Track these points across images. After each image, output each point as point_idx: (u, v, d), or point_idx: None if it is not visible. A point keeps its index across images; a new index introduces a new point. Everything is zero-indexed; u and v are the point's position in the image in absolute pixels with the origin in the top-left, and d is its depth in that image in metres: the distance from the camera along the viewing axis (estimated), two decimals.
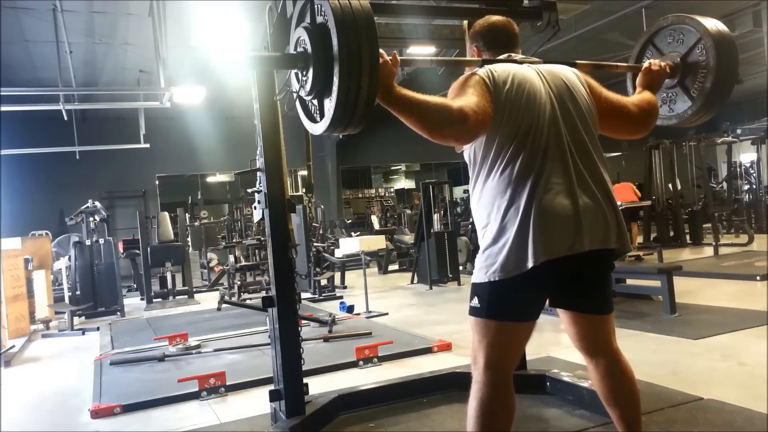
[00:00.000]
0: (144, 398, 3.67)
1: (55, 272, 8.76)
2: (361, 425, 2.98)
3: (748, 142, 12.51)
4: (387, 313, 6.29)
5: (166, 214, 10.14)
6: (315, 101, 1.87)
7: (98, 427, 3.38)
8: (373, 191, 22.30)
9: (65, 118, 10.54)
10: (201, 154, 15.31)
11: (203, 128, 14.63)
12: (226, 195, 20.61)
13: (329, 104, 1.71)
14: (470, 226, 9.16)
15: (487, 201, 1.87)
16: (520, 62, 1.99)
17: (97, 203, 8.55)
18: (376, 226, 15.06)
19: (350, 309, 6.36)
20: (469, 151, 1.95)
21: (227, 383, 3.73)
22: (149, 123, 12.85)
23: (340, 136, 14.72)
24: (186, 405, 3.60)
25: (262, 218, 2.86)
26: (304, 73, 1.82)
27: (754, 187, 13.33)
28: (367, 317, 6.13)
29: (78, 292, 7.77)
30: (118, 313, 7.75)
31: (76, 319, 6.86)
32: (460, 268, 8.48)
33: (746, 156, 14.11)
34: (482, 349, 1.86)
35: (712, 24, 2.32)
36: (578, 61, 2.16)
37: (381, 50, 1.70)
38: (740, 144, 12.83)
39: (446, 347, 4.44)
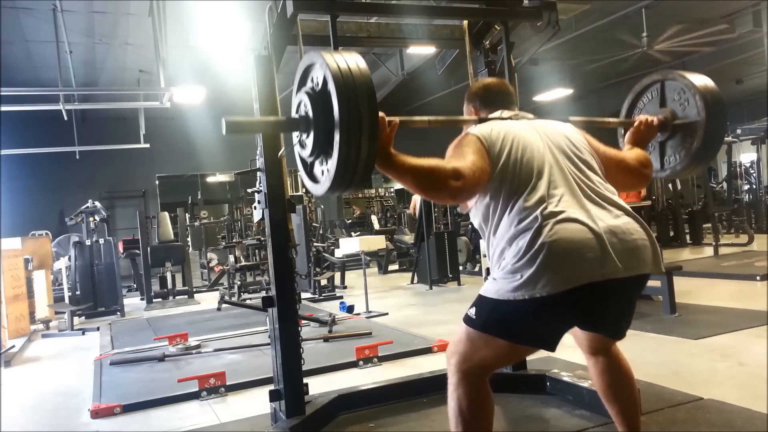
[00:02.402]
0: (144, 398, 3.67)
1: (55, 272, 8.76)
2: (361, 425, 2.98)
3: (748, 142, 12.50)
4: (387, 313, 6.29)
5: (166, 214, 10.14)
6: (316, 163, 1.88)
7: (98, 427, 3.38)
8: (373, 191, 22.27)
9: (65, 118, 10.52)
10: (201, 154, 15.29)
11: (203, 128, 14.60)
12: (226, 195, 20.57)
13: (330, 168, 1.71)
14: (470, 226, 9.16)
15: (502, 234, 1.82)
16: (515, 118, 2.02)
17: (97, 203, 8.55)
18: (376, 226, 15.05)
19: (350, 309, 6.35)
20: (478, 219, 1.93)
21: (227, 383, 3.73)
22: (149, 123, 12.84)
23: None
24: (186, 405, 3.60)
25: (262, 218, 2.86)
26: (306, 136, 1.83)
27: (754, 187, 13.33)
28: (367, 317, 6.13)
29: (78, 292, 7.77)
30: (118, 313, 7.75)
31: (76, 319, 6.86)
32: (460, 268, 8.47)
33: (746, 156, 14.11)
34: (462, 351, 1.88)
35: (716, 110, 2.29)
36: (571, 117, 2.22)
37: (381, 113, 1.69)
38: (740, 144, 12.81)
39: (446, 347, 4.43)
